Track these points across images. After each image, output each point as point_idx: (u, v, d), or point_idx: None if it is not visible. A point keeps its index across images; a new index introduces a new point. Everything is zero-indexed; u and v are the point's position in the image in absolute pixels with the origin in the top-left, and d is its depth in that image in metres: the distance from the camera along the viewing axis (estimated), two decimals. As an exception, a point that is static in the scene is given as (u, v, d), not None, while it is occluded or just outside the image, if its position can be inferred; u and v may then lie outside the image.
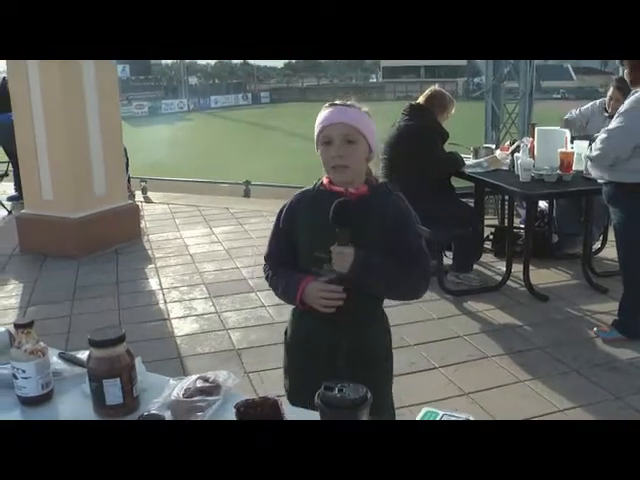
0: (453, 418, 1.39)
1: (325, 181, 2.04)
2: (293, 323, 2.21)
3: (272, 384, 3.63)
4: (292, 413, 1.53)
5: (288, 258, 2.08)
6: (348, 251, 1.87)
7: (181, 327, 4.64)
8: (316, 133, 2.00)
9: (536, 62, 9.16)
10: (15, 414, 1.65)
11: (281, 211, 2.11)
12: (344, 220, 1.87)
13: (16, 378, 1.65)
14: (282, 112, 44.61)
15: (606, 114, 5.66)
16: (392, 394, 2.22)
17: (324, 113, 2.00)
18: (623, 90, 5.53)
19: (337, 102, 2.02)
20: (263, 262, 2.19)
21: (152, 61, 62.88)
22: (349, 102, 2.01)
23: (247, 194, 9.55)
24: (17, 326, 1.64)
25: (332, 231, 1.88)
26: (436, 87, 5.27)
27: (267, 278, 2.16)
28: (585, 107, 5.89)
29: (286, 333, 2.24)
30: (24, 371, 1.63)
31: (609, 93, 5.67)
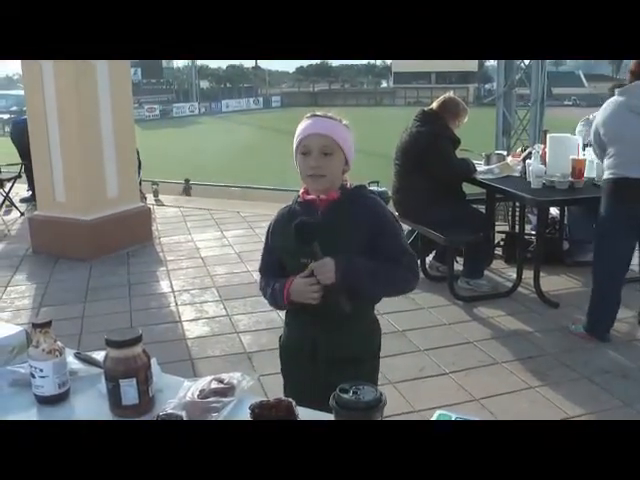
0: (465, 420, 1.40)
1: (301, 192, 2.12)
2: (284, 328, 2.31)
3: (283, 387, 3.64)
4: (306, 415, 1.54)
5: (278, 271, 2.16)
6: (327, 260, 1.91)
7: (192, 330, 4.66)
8: (295, 143, 2.05)
9: (547, 69, 9.14)
10: (32, 413, 1.67)
11: (268, 227, 2.21)
12: (307, 238, 1.91)
13: (33, 377, 1.67)
14: (293, 116, 44.67)
15: None
16: None
17: (304, 124, 2.06)
18: None
19: (318, 113, 2.08)
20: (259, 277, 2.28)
21: (164, 64, 63.16)
22: (330, 114, 2.07)
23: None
24: (35, 325, 1.66)
25: (294, 238, 1.93)
26: (450, 94, 5.28)
27: (261, 290, 2.26)
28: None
29: (280, 338, 2.34)
30: (41, 370, 1.65)
31: None
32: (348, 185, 2.10)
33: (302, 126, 2.05)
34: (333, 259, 1.91)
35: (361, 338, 2.15)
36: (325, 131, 2.00)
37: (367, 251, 1.99)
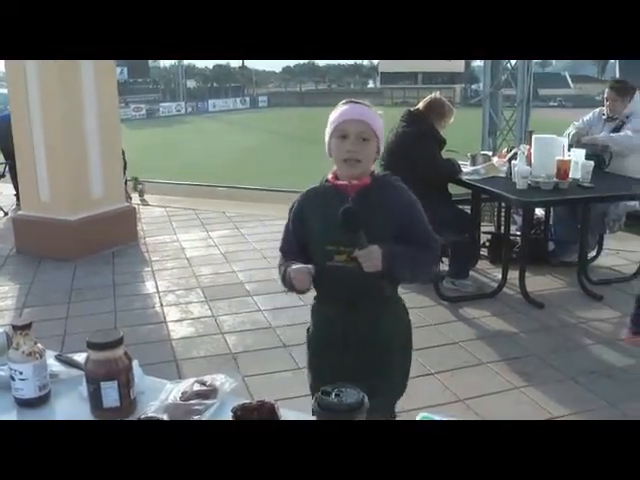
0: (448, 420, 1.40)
1: (330, 177, 2.12)
2: (312, 317, 2.30)
3: (268, 388, 3.63)
4: (289, 417, 1.53)
5: (299, 253, 2.16)
6: (374, 248, 1.92)
7: (177, 330, 4.64)
8: (331, 127, 2.08)
9: (534, 70, 9.17)
10: (12, 416, 1.66)
11: (291, 209, 2.20)
12: (355, 225, 1.92)
13: (13, 380, 1.65)
14: (280, 116, 44.67)
15: (604, 116, 5.70)
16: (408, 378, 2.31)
17: (342, 108, 2.08)
18: (617, 90, 5.57)
19: (355, 100, 2.12)
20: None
21: (150, 64, 62.92)
22: (366, 102, 2.12)
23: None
24: (15, 327, 1.64)
25: (340, 226, 1.94)
26: (437, 95, 5.27)
27: (278, 268, 2.24)
28: (587, 116, 5.92)
29: (308, 330, 2.33)
30: (21, 373, 1.64)
31: (605, 95, 5.70)
32: (377, 172, 2.15)
33: (339, 111, 2.08)
34: (379, 248, 1.93)
35: (392, 322, 2.21)
36: (363, 117, 2.04)
37: (396, 237, 2.02)
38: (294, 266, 2.04)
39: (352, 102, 2.10)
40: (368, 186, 2.07)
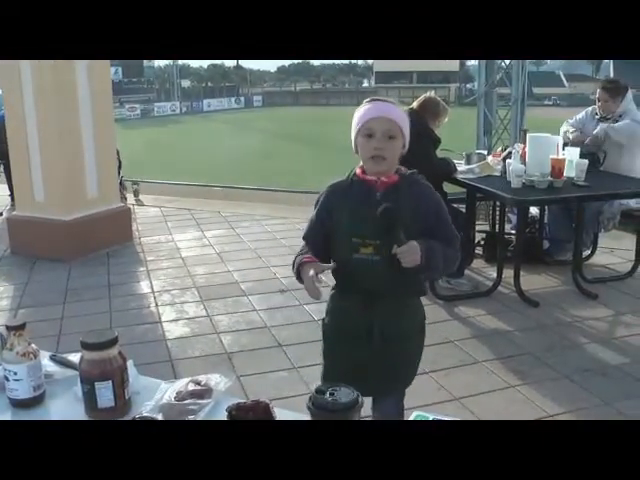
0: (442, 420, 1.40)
1: (358, 171, 2.16)
2: (330, 306, 2.32)
3: (263, 388, 3.63)
4: (283, 417, 1.53)
5: (320, 243, 2.21)
6: (414, 244, 1.96)
7: (172, 330, 4.63)
8: (357, 126, 2.10)
9: (528, 69, 9.18)
10: (6, 416, 1.65)
11: (318, 200, 2.25)
12: (394, 223, 1.97)
13: (7, 380, 1.65)
14: (275, 115, 44.66)
15: (597, 116, 5.70)
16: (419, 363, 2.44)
17: (367, 107, 2.11)
18: (609, 90, 5.58)
19: (380, 98, 2.18)
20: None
21: (145, 63, 62.72)
22: (391, 99, 2.19)
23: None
24: (9, 328, 1.63)
25: (368, 219, 2.02)
26: (431, 94, 5.27)
27: (294, 260, 2.25)
28: (580, 115, 5.93)
29: (323, 320, 2.35)
30: (15, 373, 1.63)
31: (597, 95, 5.71)
32: (403, 169, 2.18)
33: (364, 109, 2.11)
34: (417, 244, 1.97)
35: (412, 313, 2.31)
36: (389, 115, 2.08)
37: (423, 234, 2.05)
38: (305, 273, 2.05)
39: (377, 100, 2.14)
40: (396, 183, 2.12)
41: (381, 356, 2.20)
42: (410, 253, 1.96)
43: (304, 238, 2.29)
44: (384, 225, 1.97)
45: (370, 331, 2.18)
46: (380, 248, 2.07)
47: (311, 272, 2.02)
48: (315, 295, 2.02)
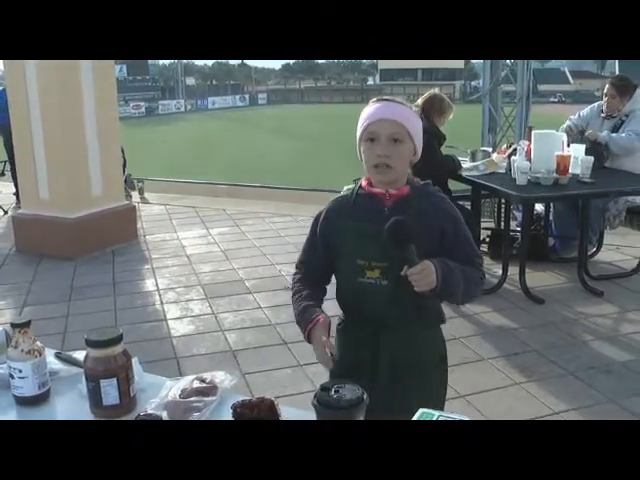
0: (449, 420, 1.40)
1: (364, 183, 1.92)
2: (337, 341, 2.02)
3: (268, 385, 3.63)
4: (288, 414, 1.53)
5: (321, 268, 1.99)
6: (428, 264, 1.70)
7: (177, 328, 4.64)
8: (360, 129, 1.86)
9: (533, 66, 9.15)
10: (11, 414, 1.65)
11: (317, 218, 1.98)
12: (403, 240, 1.70)
13: (13, 378, 1.65)
14: (280, 113, 44.65)
15: (603, 115, 5.68)
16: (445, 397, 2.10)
17: (371, 108, 1.87)
18: (618, 87, 5.55)
19: (385, 97, 1.91)
20: (294, 270, 2.08)
21: (149, 62, 62.80)
22: (398, 99, 1.91)
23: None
24: (14, 325, 1.64)
25: (375, 238, 1.76)
26: (436, 91, 5.27)
27: (292, 289, 2.03)
28: (584, 111, 5.90)
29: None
30: (21, 371, 1.63)
31: (605, 90, 5.68)
32: (415, 180, 1.92)
33: (368, 111, 1.86)
34: (433, 264, 1.71)
35: (426, 345, 1.98)
36: (395, 116, 1.81)
37: (437, 252, 1.80)
38: (316, 338, 1.79)
39: (383, 100, 1.88)
40: (406, 196, 1.85)
41: (388, 395, 1.84)
42: (424, 275, 1.68)
43: (299, 264, 2.06)
44: (393, 242, 1.70)
45: (375, 365, 1.91)
46: (388, 271, 1.80)
47: (323, 338, 1.77)
48: (326, 363, 1.77)
